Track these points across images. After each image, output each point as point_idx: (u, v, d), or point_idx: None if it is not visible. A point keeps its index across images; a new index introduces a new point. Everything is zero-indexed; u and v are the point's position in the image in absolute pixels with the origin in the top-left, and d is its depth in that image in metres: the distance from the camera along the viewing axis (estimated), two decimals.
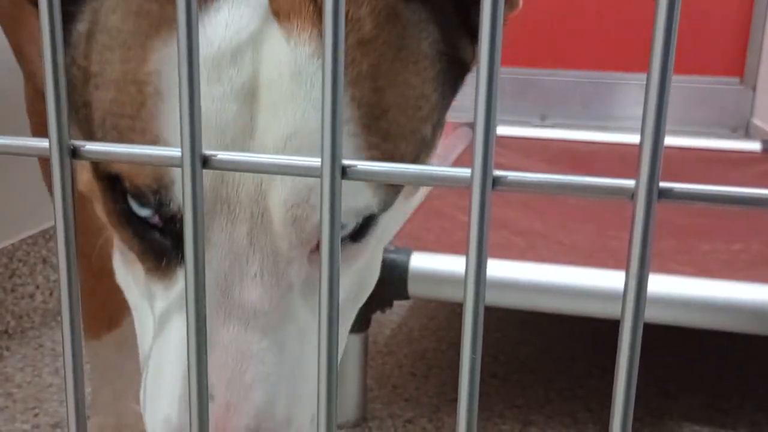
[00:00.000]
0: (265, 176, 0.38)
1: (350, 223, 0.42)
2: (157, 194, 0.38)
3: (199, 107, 0.29)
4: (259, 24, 0.37)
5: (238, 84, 0.37)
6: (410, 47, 0.41)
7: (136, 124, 0.37)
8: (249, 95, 0.37)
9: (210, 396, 0.38)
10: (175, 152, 0.31)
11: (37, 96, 0.73)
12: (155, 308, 0.44)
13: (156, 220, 0.40)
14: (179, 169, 0.32)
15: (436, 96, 0.43)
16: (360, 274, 0.49)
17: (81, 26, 0.40)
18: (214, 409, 0.38)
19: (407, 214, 0.50)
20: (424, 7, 0.42)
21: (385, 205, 0.42)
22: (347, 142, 0.38)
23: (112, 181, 0.40)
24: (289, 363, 0.41)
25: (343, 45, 0.27)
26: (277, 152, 0.37)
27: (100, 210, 0.44)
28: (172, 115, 0.37)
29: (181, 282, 0.41)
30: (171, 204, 0.38)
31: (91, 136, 0.40)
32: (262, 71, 0.37)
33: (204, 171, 0.35)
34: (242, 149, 0.37)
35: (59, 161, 0.31)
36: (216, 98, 0.37)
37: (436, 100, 0.43)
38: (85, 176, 0.43)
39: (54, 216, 0.32)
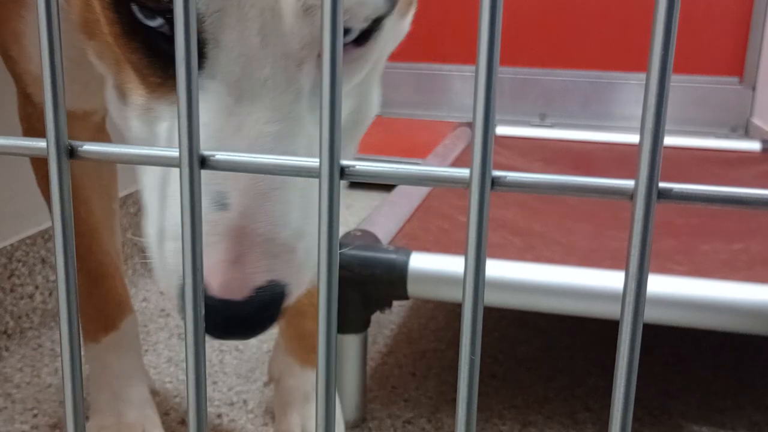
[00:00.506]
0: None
1: (356, 28, 0.42)
2: None
3: (197, 108, 0.29)
4: None
5: None
6: None
7: None
8: None
9: (223, 205, 0.37)
10: (173, 153, 0.30)
11: (26, 100, 0.72)
12: (161, 132, 0.42)
13: (166, 28, 0.39)
14: None
15: None
16: (359, 97, 0.48)
17: None
18: (228, 217, 0.38)
19: (400, 36, 0.50)
20: None
21: (391, 6, 0.42)
22: None
23: None
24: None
25: (341, 49, 0.27)
26: None
27: (95, 29, 0.42)
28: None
29: None
30: None
31: None
32: None
33: None
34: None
35: (57, 161, 0.31)
36: None
37: None
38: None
39: (51, 216, 0.32)
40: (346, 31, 0.41)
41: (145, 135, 0.44)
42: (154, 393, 0.89)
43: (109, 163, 0.80)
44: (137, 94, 0.42)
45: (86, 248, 0.78)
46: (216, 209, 0.38)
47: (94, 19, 0.42)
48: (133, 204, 1.37)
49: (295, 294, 0.40)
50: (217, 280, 0.38)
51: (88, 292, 0.80)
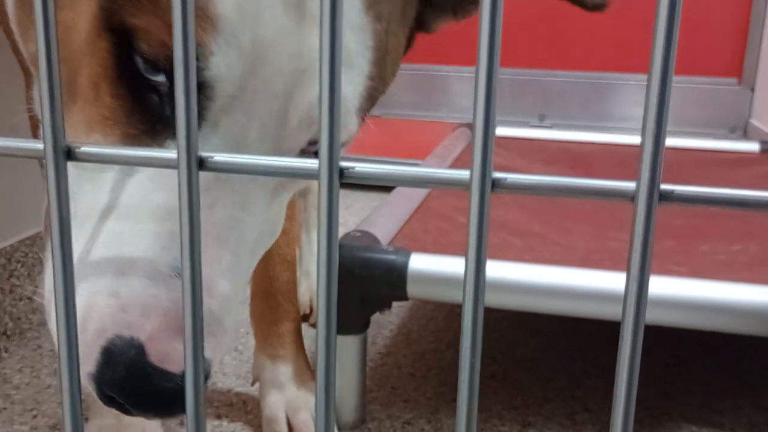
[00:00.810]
0: (297, 75, 0.40)
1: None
2: None
3: (195, 110, 0.29)
4: None
5: None
6: (407, 12, 0.48)
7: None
8: (298, 2, 0.40)
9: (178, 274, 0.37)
10: (171, 154, 0.30)
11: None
12: (112, 179, 0.41)
13: (165, 86, 0.40)
14: (226, 40, 0.36)
15: (403, 50, 0.50)
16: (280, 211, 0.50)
17: None
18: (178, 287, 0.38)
19: None
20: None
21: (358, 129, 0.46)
22: (364, 65, 0.42)
23: (119, 36, 0.39)
24: (248, 253, 0.43)
25: (341, 57, 0.26)
26: (309, 60, 0.40)
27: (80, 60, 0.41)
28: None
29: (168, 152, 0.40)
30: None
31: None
32: None
33: (237, 55, 0.38)
34: (288, 57, 0.39)
35: (54, 163, 0.31)
36: None
37: (403, 53, 0.50)
38: (64, 16, 0.41)
39: (49, 216, 0.32)
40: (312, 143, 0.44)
41: (86, 181, 0.42)
42: None
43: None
44: (102, 135, 0.41)
45: None
46: (174, 275, 0.39)
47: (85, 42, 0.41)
48: None
49: (215, 367, 0.41)
50: (161, 347, 0.38)
51: None
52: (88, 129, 0.42)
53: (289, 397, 0.88)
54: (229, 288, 0.41)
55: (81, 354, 0.35)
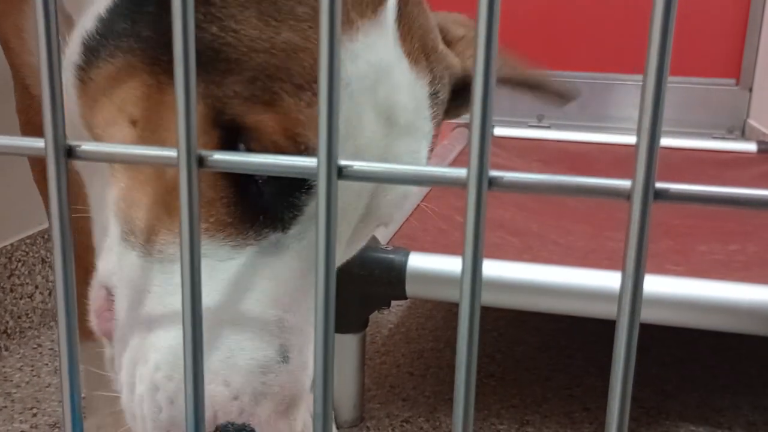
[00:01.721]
0: (379, 191, 0.45)
1: None
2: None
3: (194, 107, 0.29)
4: (393, 58, 0.43)
5: (379, 102, 0.43)
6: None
7: (302, 95, 0.40)
8: (386, 112, 0.43)
9: (285, 357, 0.42)
10: (171, 152, 0.31)
11: (24, 92, 0.72)
12: (205, 266, 0.42)
13: (266, 188, 0.42)
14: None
15: None
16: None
17: None
18: (288, 370, 0.42)
19: None
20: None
21: None
22: (425, 162, 0.47)
23: (228, 132, 0.41)
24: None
25: (339, 55, 0.27)
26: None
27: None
28: (343, 104, 0.41)
29: (263, 243, 0.43)
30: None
31: (221, 89, 0.40)
32: (398, 96, 0.43)
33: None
34: (376, 160, 0.41)
35: (55, 161, 0.31)
36: (358, 112, 0.42)
37: None
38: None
39: (49, 216, 0.32)
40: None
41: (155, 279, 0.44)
42: None
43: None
44: (206, 223, 0.43)
45: (83, 246, 0.78)
46: (280, 361, 0.42)
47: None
48: None
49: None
50: (270, 429, 0.42)
51: (84, 289, 0.80)
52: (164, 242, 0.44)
53: None
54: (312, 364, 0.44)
55: None
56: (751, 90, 2.00)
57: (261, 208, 0.42)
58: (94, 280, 0.51)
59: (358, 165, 0.28)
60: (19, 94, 0.74)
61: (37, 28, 0.30)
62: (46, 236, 1.15)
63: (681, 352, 1.12)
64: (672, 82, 1.95)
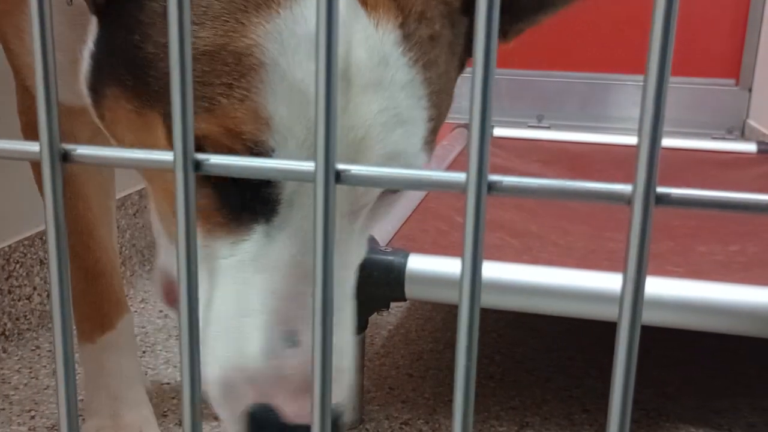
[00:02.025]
0: (355, 145, 0.43)
1: None
2: (257, 155, 0.40)
3: (191, 110, 0.29)
4: (349, 10, 0.41)
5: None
6: (455, 49, 0.48)
7: (234, 93, 0.40)
8: (342, 74, 0.41)
9: (294, 342, 0.44)
10: (168, 156, 0.30)
11: (25, 94, 0.72)
12: (215, 265, 0.46)
13: (241, 184, 0.43)
14: (282, 135, 0.39)
15: (455, 80, 0.52)
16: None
17: (155, 5, 0.42)
18: (301, 352, 0.44)
19: None
20: (469, 20, 0.49)
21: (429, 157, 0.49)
22: (421, 114, 0.44)
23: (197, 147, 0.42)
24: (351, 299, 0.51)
25: (337, 55, 0.26)
26: (365, 128, 0.42)
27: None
28: (276, 85, 0.40)
29: (254, 236, 0.44)
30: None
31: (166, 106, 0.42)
32: (354, 54, 0.41)
33: (296, 144, 0.40)
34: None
35: (50, 165, 0.31)
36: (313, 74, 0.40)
37: (455, 82, 0.52)
38: (141, 139, 0.44)
39: (45, 220, 0.32)
40: None
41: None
42: (150, 394, 0.89)
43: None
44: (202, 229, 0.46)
45: (83, 245, 0.78)
46: (289, 346, 0.44)
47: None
48: (132, 205, 1.37)
49: (347, 408, 0.49)
50: (292, 408, 0.44)
51: (84, 290, 0.80)
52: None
53: None
54: (350, 338, 0.47)
55: (227, 421, 0.44)
56: (750, 90, 2.00)
57: (243, 204, 0.44)
58: (156, 269, 0.57)
59: (356, 169, 0.28)
60: (20, 96, 0.73)
61: (33, 30, 0.30)
62: (44, 238, 1.15)
63: (681, 354, 1.12)
64: (671, 82, 1.94)
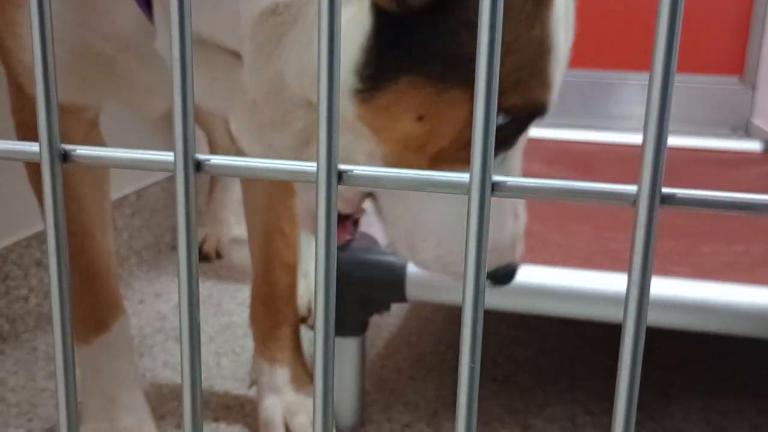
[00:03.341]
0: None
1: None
2: None
3: (191, 110, 0.29)
4: None
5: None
6: None
7: (540, 75, 0.50)
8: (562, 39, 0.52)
9: (517, 216, 0.60)
10: (167, 157, 0.30)
11: (18, 92, 0.71)
12: None
13: None
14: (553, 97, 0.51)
15: None
16: None
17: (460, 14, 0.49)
18: (522, 224, 0.61)
19: None
20: None
21: None
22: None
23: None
24: None
25: (339, 55, 0.26)
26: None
27: None
28: (556, 63, 0.50)
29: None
30: None
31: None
32: (560, 23, 0.51)
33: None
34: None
35: (50, 166, 0.30)
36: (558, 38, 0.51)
37: None
38: None
39: (44, 221, 0.31)
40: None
41: None
42: (148, 397, 0.89)
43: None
44: None
45: (78, 247, 0.77)
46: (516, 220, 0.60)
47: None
48: (129, 206, 1.37)
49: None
50: (517, 256, 0.62)
51: (79, 292, 0.79)
52: None
53: (286, 401, 0.88)
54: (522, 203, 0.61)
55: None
56: (754, 88, 1.99)
57: None
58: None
59: (358, 170, 0.28)
60: (14, 94, 0.72)
61: (32, 29, 0.29)
62: (41, 239, 1.14)
63: (685, 355, 1.11)
64: (675, 79, 1.94)
